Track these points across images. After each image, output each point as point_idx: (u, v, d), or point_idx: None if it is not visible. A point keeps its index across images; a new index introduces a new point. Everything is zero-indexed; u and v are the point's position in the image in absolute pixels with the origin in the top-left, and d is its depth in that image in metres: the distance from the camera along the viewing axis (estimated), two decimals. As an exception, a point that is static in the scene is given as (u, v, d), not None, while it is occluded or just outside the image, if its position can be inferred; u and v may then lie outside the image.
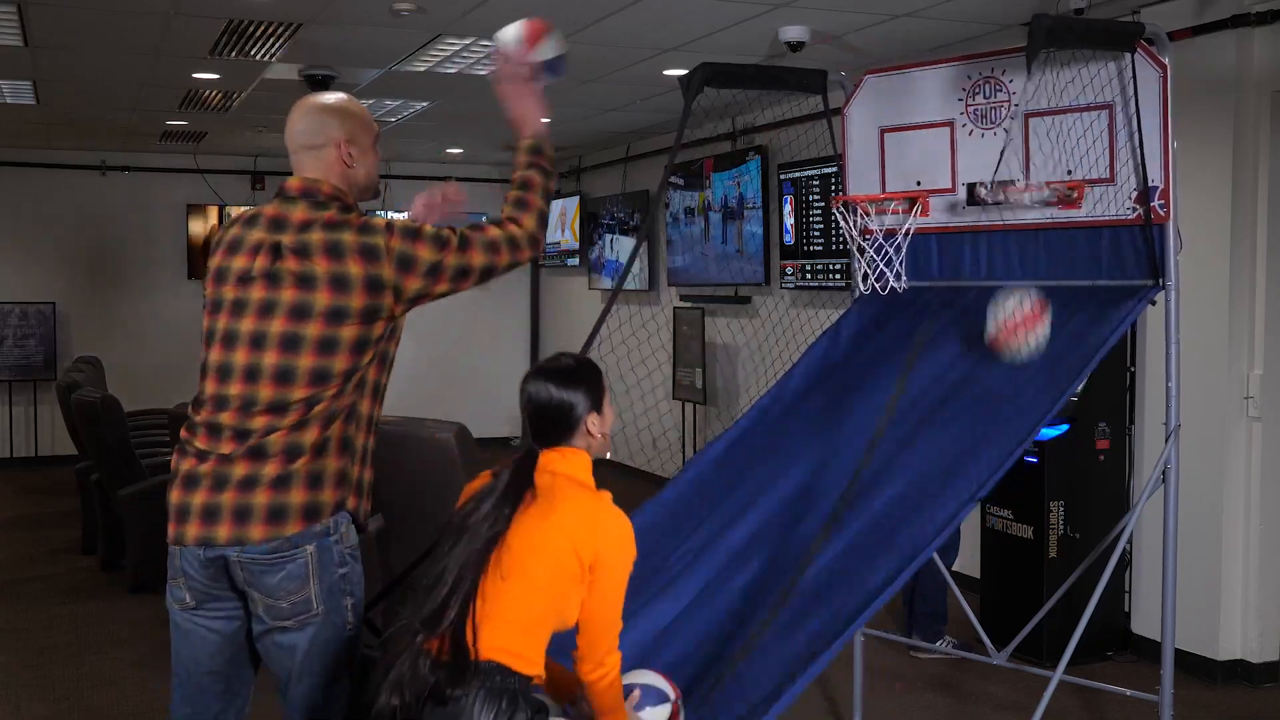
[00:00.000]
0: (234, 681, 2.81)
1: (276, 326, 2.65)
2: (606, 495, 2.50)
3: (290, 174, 2.85)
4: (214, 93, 7.90)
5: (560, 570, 2.41)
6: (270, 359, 2.64)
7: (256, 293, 2.68)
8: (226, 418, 2.66)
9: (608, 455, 2.61)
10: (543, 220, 2.89)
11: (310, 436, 2.63)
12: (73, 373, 8.26)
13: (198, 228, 11.27)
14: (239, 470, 2.63)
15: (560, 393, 2.51)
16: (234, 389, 2.66)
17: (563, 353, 2.64)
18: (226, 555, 2.63)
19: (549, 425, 2.52)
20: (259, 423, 2.63)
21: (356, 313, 2.65)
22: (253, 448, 2.63)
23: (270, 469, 2.62)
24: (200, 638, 2.77)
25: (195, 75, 7.27)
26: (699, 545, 3.49)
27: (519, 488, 2.46)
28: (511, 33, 2.91)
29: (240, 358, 2.67)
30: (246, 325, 2.68)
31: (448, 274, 2.72)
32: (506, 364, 11.75)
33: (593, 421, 2.54)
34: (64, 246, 10.98)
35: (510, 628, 2.40)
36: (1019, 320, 3.43)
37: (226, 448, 2.65)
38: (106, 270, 11.12)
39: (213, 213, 11.28)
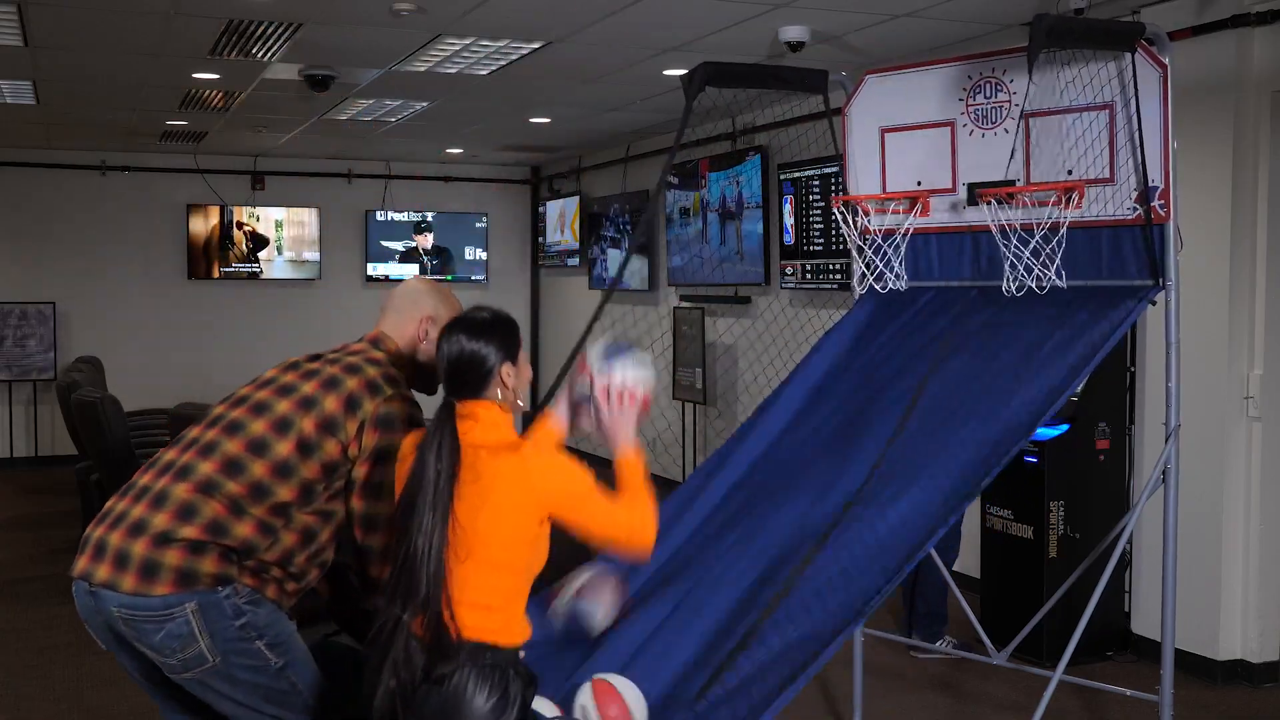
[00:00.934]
0: (193, 701, 2.79)
1: (281, 406, 2.76)
2: (525, 444, 2.49)
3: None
4: (214, 93, 7.90)
5: (516, 541, 2.42)
6: (259, 426, 2.73)
7: (287, 378, 2.84)
8: (170, 453, 2.75)
9: (520, 407, 2.60)
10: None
11: (215, 502, 2.65)
12: (73, 373, 8.26)
13: (198, 228, 11.27)
14: (138, 512, 2.65)
15: (472, 344, 2.51)
16: (194, 432, 2.78)
17: (480, 305, 2.63)
18: (106, 612, 2.62)
19: (462, 377, 2.52)
20: (185, 459, 2.69)
21: (323, 415, 2.75)
22: (162, 490, 2.66)
23: (161, 520, 2.62)
24: (132, 676, 2.81)
25: (195, 75, 7.27)
26: (699, 544, 3.48)
27: (444, 440, 2.44)
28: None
29: (235, 414, 2.78)
30: (260, 395, 2.81)
31: (370, 471, 2.77)
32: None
33: (506, 372, 2.53)
34: (64, 246, 10.98)
35: (482, 610, 2.42)
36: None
37: (147, 479, 2.71)
38: (106, 270, 11.11)
39: (213, 213, 11.28)
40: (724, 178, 8.86)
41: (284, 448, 2.70)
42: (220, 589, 2.61)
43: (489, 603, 2.42)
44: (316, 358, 2.89)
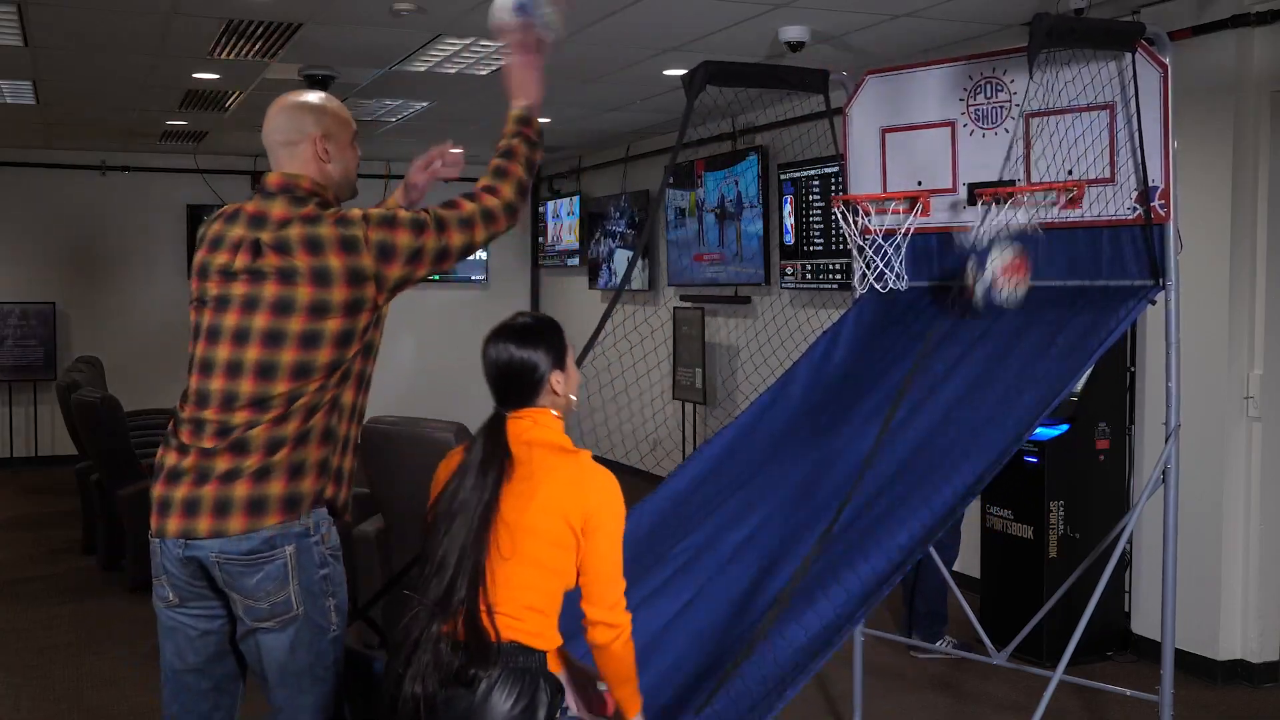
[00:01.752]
0: (222, 680, 2.81)
1: (260, 322, 2.65)
2: (585, 454, 2.47)
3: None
4: (214, 93, 7.90)
5: (557, 544, 2.40)
6: (253, 354, 2.64)
7: (239, 289, 2.69)
8: (210, 413, 2.66)
9: (573, 412, 2.57)
10: (522, 190, 2.89)
11: (291, 428, 2.63)
12: (73, 373, 8.26)
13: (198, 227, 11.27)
14: (221, 464, 2.63)
15: (521, 352, 2.47)
16: (216, 384, 2.67)
17: (521, 311, 2.59)
18: (204, 557, 2.63)
19: (512, 387, 2.48)
20: (240, 417, 2.64)
21: (340, 306, 2.65)
22: (235, 442, 2.63)
23: (251, 461, 2.62)
24: (184, 635, 2.77)
25: (195, 75, 7.27)
26: (698, 543, 3.49)
27: (495, 453, 2.43)
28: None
29: (223, 353, 2.68)
30: (229, 320, 2.68)
31: (428, 257, 2.71)
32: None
33: (556, 380, 2.49)
34: (64, 246, 10.98)
35: (522, 608, 2.40)
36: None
37: (209, 442, 2.65)
38: (106, 270, 11.11)
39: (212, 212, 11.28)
40: (720, 178, 8.86)
41: (288, 355, 2.63)
42: (311, 534, 2.63)
43: (530, 602, 2.40)
44: (257, 249, 2.67)
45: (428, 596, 2.38)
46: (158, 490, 2.71)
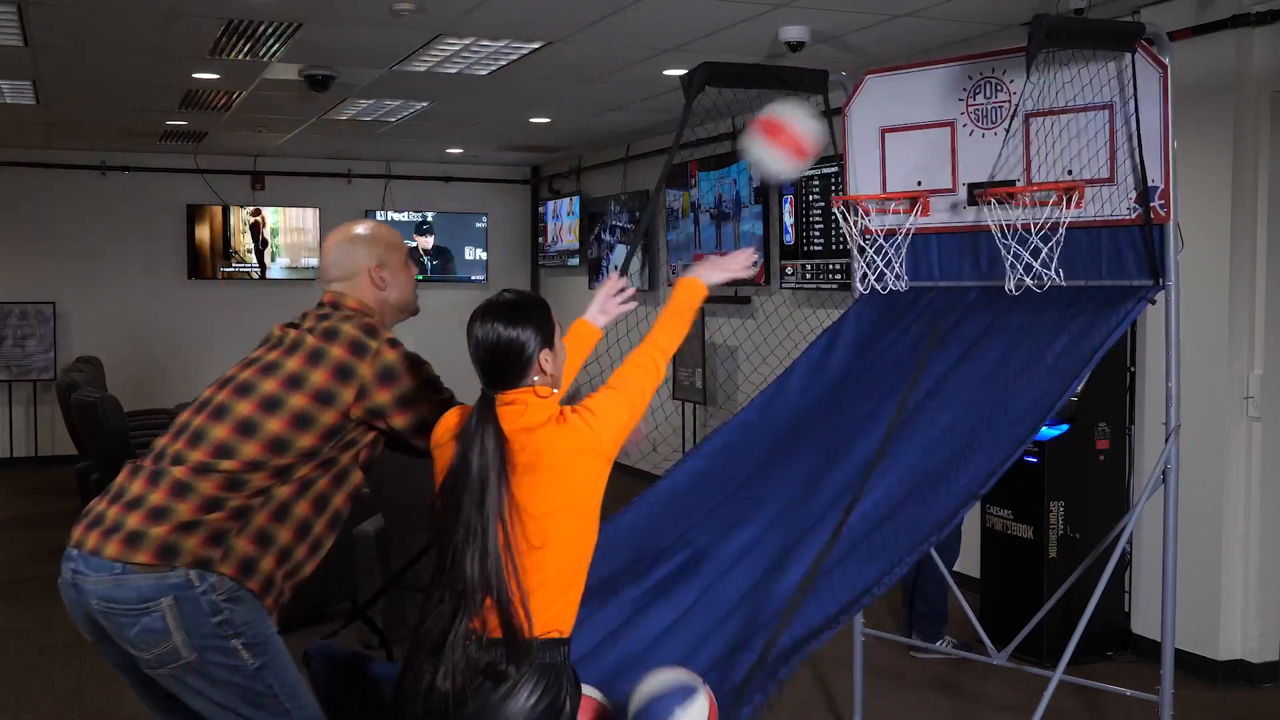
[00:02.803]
0: (175, 699, 2.78)
1: (267, 386, 2.73)
2: (567, 410, 2.43)
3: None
4: (214, 93, 7.90)
5: (592, 503, 2.40)
6: (245, 408, 2.71)
7: (268, 356, 2.80)
8: (179, 445, 2.71)
9: (559, 392, 2.52)
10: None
11: (209, 489, 2.64)
12: (73, 373, 8.26)
13: (198, 228, 11.27)
14: (135, 488, 2.66)
15: (510, 330, 2.39)
16: (198, 420, 2.74)
17: (506, 289, 2.52)
18: (90, 605, 2.63)
19: (501, 366, 2.41)
20: (196, 457, 2.67)
21: (314, 388, 2.71)
22: (158, 471, 2.67)
23: (157, 497, 2.63)
24: (116, 667, 2.79)
25: (195, 75, 7.27)
26: (700, 544, 3.48)
27: (492, 433, 2.36)
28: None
29: (220, 397, 2.76)
30: (245, 375, 2.78)
31: (415, 408, 2.78)
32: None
33: (545, 358, 2.43)
34: (64, 246, 10.98)
35: (553, 591, 2.37)
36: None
37: (147, 463, 2.71)
38: (106, 270, 11.11)
39: (214, 213, 11.28)
40: (715, 178, 8.87)
41: (275, 424, 2.68)
42: (197, 584, 2.58)
43: (560, 584, 2.38)
44: (292, 326, 2.85)
45: (447, 591, 2.33)
46: (90, 505, 2.75)
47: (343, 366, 2.73)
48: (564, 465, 2.37)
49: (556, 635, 2.37)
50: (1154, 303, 3.62)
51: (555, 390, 2.48)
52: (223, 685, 2.64)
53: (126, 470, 2.75)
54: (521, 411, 2.40)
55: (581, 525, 2.40)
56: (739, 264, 2.96)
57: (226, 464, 2.65)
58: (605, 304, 3.13)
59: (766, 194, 8.26)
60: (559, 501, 2.36)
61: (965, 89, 4.00)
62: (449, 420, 2.51)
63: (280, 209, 11.48)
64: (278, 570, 2.71)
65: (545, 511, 2.35)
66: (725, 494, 3.63)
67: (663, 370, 2.61)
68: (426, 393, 2.79)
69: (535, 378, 2.43)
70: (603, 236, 10.78)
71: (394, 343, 2.81)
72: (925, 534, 3.11)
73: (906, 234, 4.04)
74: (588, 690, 2.76)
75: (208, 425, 2.71)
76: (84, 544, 2.64)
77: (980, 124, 3.97)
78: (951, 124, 4.03)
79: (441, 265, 12.03)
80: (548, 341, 2.44)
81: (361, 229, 2.96)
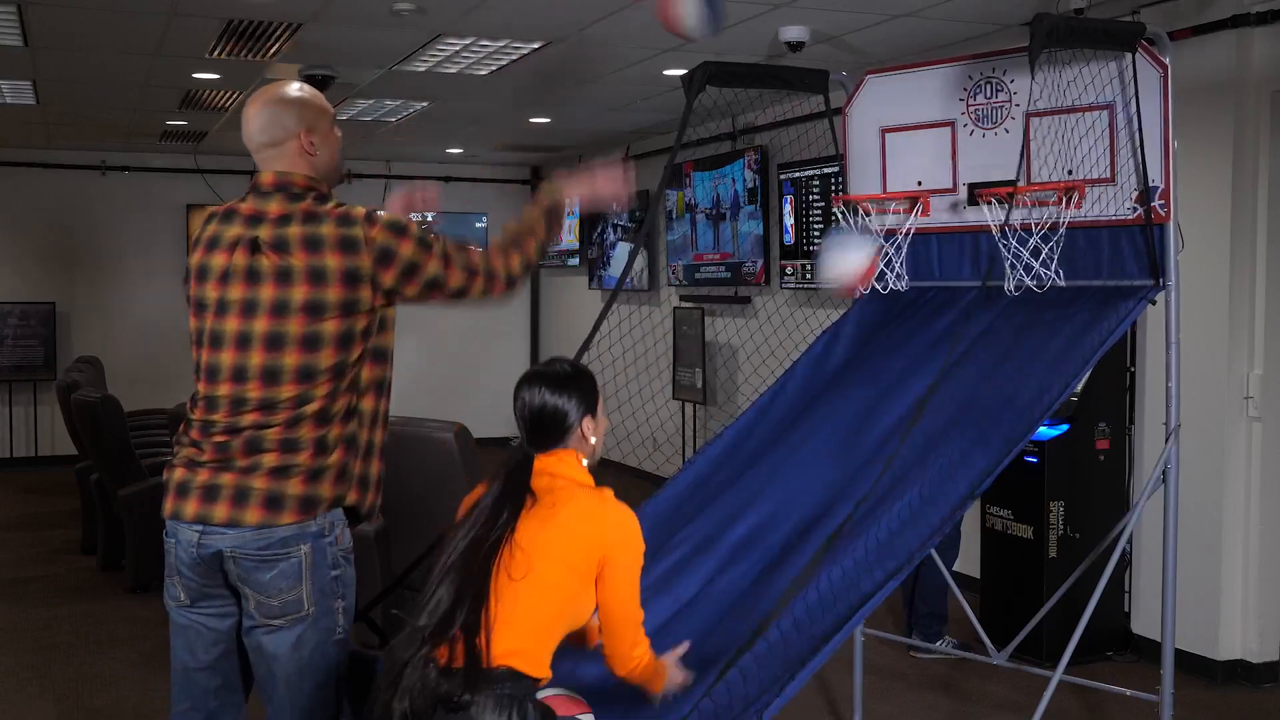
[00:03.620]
0: (231, 678, 2.81)
1: (260, 326, 2.64)
2: (608, 491, 2.51)
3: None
4: (214, 93, 7.90)
5: (570, 571, 2.42)
6: (256, 359, 2.65)
7: (237, 291, 2.68)
8: (219, 416, 2.67)
9: (598, 458, 2.61)
10: (527, 269, 2.90)
11: (305, 433, 2.64)
12: (73, 373, 8.26)
13: (198, 228, 11.26)
14: (239, 458, 2.64)
15: (555, 398, 2.52)
16: (223, 389, 2.68)
17: (557, 358, 2.64)
18: (220, 549, 2.64)
19: (544, 430, 2.53)
20: (249, 419, 2.64)
21: (335, 306, 2.64)
22: (248, 440, 2.64)
23: (269, 459, 2.63)
24: (196, 633, 2.77)
25: (195, 75, 7.27)
26: (698, 544, 3.48)
27: (516, 491, 2.47)
28: None
29: (227, 358, 2.68)
30: (231, 325, 2.68)
31: (421, 280, 2.71)
32: (506, 364, 11.75)
33: (588, 426, 2.55)
34: (64, 246, 10.98)
35: (522, 630, 2.40)
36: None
37: (221, 437, 2.67)
38: (106, 270, 11.12)
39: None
40: (710, 178, 8.87)
41: (325, 358, 2.64)
42: (325, 535, 2.64)
43: (529, 621, 2.40)
44: (255, 248, 2.68)
45: (421, 622, 2.39)
46: (177, 475, 2.70)
47: (344, 240, 2.64)
48: (573, 518, 2.43)
49: (521, 670, 2.39)
50: (1154, 303, 3.62)
51: (596, 457, 2.59)
52: (308, 650, 2.67)
53: (209, 447, 2.66)
54: (554, 463, 2.52)
55: (565, 579, 2.42)
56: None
57: (309, 408, 2.63)
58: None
59: (766, 194, 8.26)
60: (550, 539, 2.41)
61: (965, 89, 4.00)
62: (483, 487, 2.59)
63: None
64: (367, 469, 2.79)
65: (533, 544, 2.41)
66: (725, 503, 3.62)
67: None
68: (423, 247, 2.71)
69: (575, 444, 2.55)
70: (605, 236, 10.78)
71: (371, 217, 2.69)
72: (925, 536, 3.11)
73: (906, 234, 4.04)
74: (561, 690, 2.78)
75: (236, 390, 2.64)
76: (210, 518, 2.62)
77: (980, 124, 3.97)
78: (952, 124, 4.03)
79: (441, 265, 12.02)
80: (590, 410, 2.56)
81: (288, 90, 2.82)
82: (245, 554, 2.62)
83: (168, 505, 2.71)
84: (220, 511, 2.63)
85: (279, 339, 2.64)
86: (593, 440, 2.56)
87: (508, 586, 2.39)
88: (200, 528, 2.65)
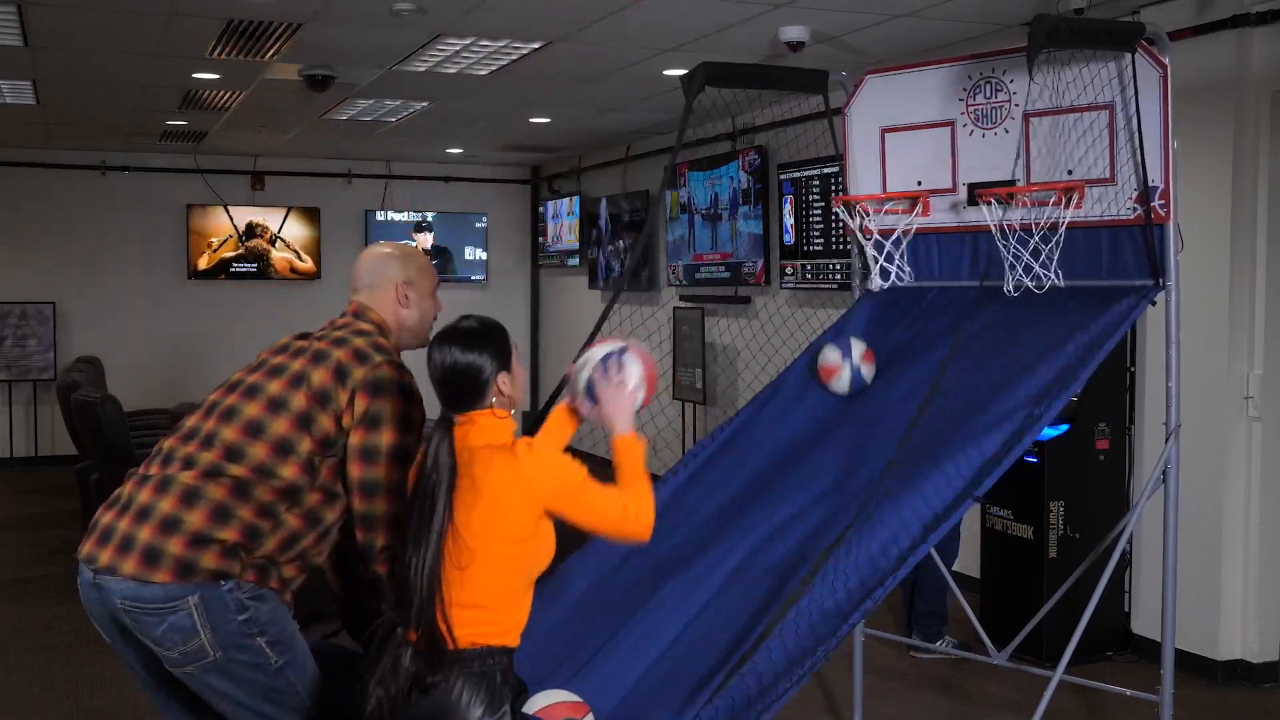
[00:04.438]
0: (192, 698, 2.80)
1: (273, 387, 2.78)
2: (520, 443, 2.48)
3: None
4: (214, 93, 7.90)
5: (510, 542, 2.42)
6: (254, 409, 2.75)
7: (274, 359, 2.87)
8: (190, 449, 2.74)
9: (518, 412, 2.58)
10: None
11: (218, 487, 2.66)
12: (73, 373, 8.26)
13: (198, 228, 11.28)
14: (144, 497, 2.68)
15: (467, 355, 2.49)
16: (209, 425, 2.78)
17: (466, 315, 2.60)
18: (111, 604, 2.65)
19: (459, 389, 2.49)
20: (207, 458, 2.70)
21: (313, 388, 2.76)
22: (166, 477, 2.68)
23: (165, 505, 2.65)
24: (132, 668, 2.83)
25: (195, 75, 7.27)
26: (696, 546, 3.48)
27: (445, 452, 2.43)
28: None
29: (229, 400, 2.80)
30: (252, 379, 2.83)
31: (363, 462, 2.76)
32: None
33: (503, 381, 2.51)
34: (64, 246, 10.98)
35: (477, 610, 2.41)
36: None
37: (153, 469, 2.73)
38: (106, 270, 11.11)
39: (214, 213, 11.28)
40: (705, 179, 8.87)
41: (281, 426, 2.72)
42: (222, 583, 2.62)
43: (485, 602, 2.42)
44: (305, 336, 2.92)
45: (398, 601, 2.41)
46: (96, 514, 2.77)
47: (341, 367, 2.77)
48: (495, 491, 2.41)
49: (491, 645, 2.41)
50: (1154, 303, 3.62)
51: (513, 411, 2.56)
52: (245, 683, 2.67)
53: (132, 481, 2.76)
54: (469, 430, 2.48)
55: (503, 551, 2.42)
56: (631, 398, 2.75)
57: (235, 468, 2.67)
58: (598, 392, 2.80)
59: (766, 194, 8.26)
60: (482, 521, 2.41)
61: (965, 89, 3.99)
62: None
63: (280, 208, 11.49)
64: (292, 566, 2.76)
65: (469, 530, 2.41)
66: (720, 505, 3.62)
67: (632, 522, 2.51)
68: (398, 432, 2.77)
69: (493, 400, 2.51)
70: (604, 237, 10.77)
71: (397, 365, 2.84)
72: (929, 535, 3.10)
73: (906, 232, 4.03)
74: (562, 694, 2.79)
75: (218, 427, 2.75)
76: (96, 560, 2.66)
77: (980, 124, 3.96)
78: (952, 124, 4.03)
79: (441, 265, 12.02)
80: (504, 365, 2.52)
81: (398, 247, 3.09)
82: (133, 605, 2.62)
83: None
84: (104, 556, 2.65)
85: (256, 390, 2.78)
86: (508, 394, 2.53)
87: (456, 575, 2.40)
88: (92, 569, 2.67)
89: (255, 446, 2.70)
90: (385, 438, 2.75)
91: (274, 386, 2.77)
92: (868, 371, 3.80)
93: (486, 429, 2.49)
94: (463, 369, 2.48)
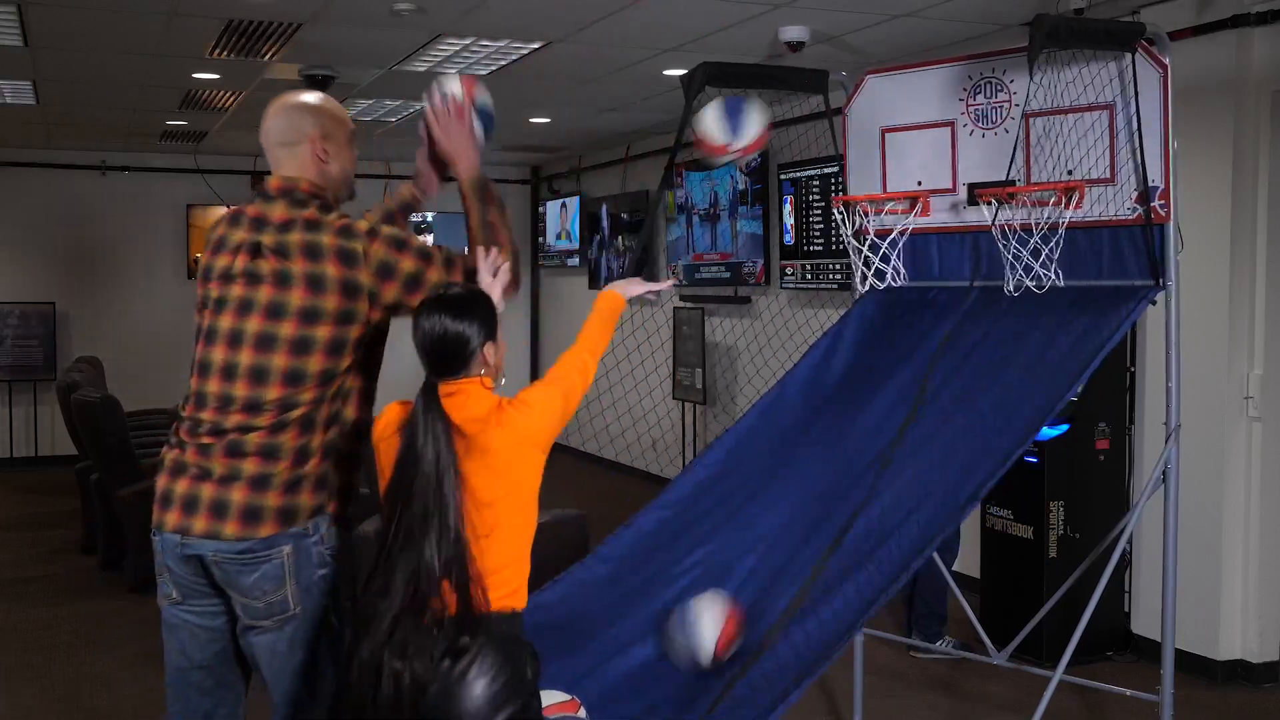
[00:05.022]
0: (225, 676, 2.81)
1: (253, 325, 2.67)
2: (503, 403, 2.49)
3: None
4: (214, 93, 7.90)
5: (533, 492, 2.49)
6: (246, 357, 2.66)
7: (236, 291, 2.71)
8: (206, 414, 2.68)
9: (502, 383, 2.60)
10: (517, 258, 2.85)
11: (288, 440, 2.64)
12: (73, 373, 8.26)
13: (198, 228, 11.28)
14: (218, 465, 2.64)
15: (456, 324, 2.49)
16: (212, 386, 2.69)
17: (450, 282, 2.62)
18: (202, 555, 2.64)
19: (445, 358, 2.50)
20: (234, 420, 2.65)
21: (331, 314, 2.66)
22: (230, 444, 2.64)
23: (249, 467, 2.63)
24: (188, 632, 2.78)
25: (195, 75, 7.27)
26: (703, 554, 3.48)
27: (439, 421, 2.43)
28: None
29: (219, 355, 2.70)
30: (225, 323, 2.70)
31: (426, 288, 2.71)
32: (507, 364, 11.70)
33: (489, 351, 2.53)
34: (64, 246, 10.98)
35: (500, 574, 2.44)
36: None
37: (206, 439, 2.67)
38: (106, 270, 11.11)
39: (214, 213, 11.28)
40: (701, 179, 8.86)
41: (314, 364, 2.65)
42: (310, 534, 2.65)
43: (504, 564, 2.46)
44: (258, 251, 2.70)
45: (397, 579, 2.38)
46: (161, 483, 2.72)
47: (347, 282, 2.66)
48: (505, 456, 2.46)
49: (512, 608, 2.47)
50: (1154, 303, 3.62)
51: (498, 382, 2.57)
52: (302, 649, 2.68)
53: (193, 450, 2.67)
54: (464, 402, 2.48)
55: (524, 513, 2.50)
56: (658, 284, 3.04)
57: (294, 414, 2.64)
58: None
59: (766, 194, 8.26)
60: (502, 490, 2.46)
61: (965, 89, 4.00)
62: (389, 415, 2.57)
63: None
64: (351, 479, 2.81)
65: (489, 500, 2.44)
66: (728, 507, 3.62)
67: (592, 372, 2.68)
68: (424, 259, 2.75)
69: (479, 369, 2.52)
70: (604, 236, 10.77)
71: (374, 232, 2.72)
72: (930, 538, 3.11)
73: (903, 232, 4.04)
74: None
75: (256, 392, 2.64)
76: (190, 529, 2.63)
77: (980, 124, 3.97)
78: (952, 124, 4.03)
79: (441, 265, 12.03)
80: (490, 335, 2.53)
81: (309, 98, 2.87)
82: (226, 557, 2.62)
83: (154, 515, 2.73)
84: (199, 524, 2.63)
85: (270, 340, 2.65)
86: (493, 364, 2.55)
87: (477, 543, 2.41)
88: (179, 538, 2.66)
89: (268, 389, 2.63)
90: (412, 242, 2.74)
91: (252, 324, 2.66)
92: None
93: (476, 399, 2.49)
94: (452, 337, 2.48)
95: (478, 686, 2.36)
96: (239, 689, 2.86)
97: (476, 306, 2.54)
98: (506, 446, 2.46)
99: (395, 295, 2.70)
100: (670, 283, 3.25)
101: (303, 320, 2.64)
